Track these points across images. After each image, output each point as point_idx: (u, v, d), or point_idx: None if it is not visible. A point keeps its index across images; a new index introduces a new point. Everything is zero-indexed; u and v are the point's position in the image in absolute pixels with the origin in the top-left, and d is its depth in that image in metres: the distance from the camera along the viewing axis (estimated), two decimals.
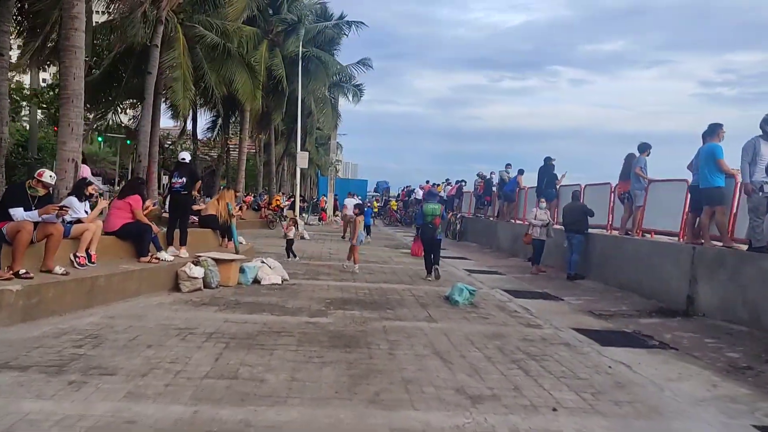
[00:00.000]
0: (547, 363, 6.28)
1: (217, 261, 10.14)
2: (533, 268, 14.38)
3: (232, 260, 10.31)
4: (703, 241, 9.71)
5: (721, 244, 9.29)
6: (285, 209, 29.24)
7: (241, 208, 20.17)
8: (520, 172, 20.47)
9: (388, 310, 8.80)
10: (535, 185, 17.20)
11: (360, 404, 4.78)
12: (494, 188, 23.02)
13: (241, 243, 13.44)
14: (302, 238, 21.54)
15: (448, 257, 17.64)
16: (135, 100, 25.15)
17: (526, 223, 15.13)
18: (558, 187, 16.11)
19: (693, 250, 9.46)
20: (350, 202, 29.17)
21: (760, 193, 8.12)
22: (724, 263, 8.68)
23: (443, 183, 32.07)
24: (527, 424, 4.53)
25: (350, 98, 34.91)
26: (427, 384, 5.36)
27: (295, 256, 14.46)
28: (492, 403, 4.96)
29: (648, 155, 12.12)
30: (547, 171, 16.25)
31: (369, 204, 40.15)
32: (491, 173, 23.53)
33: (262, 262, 11.29)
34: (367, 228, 23.69)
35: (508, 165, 20.94)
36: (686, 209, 10.64)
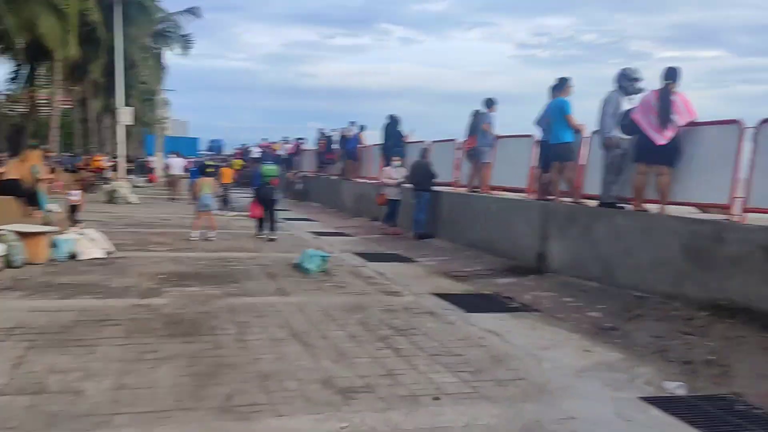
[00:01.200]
0: (417, 338, 5.72)
1: (22, 234, 8.44)
2: (388, 228, 13.88)
3: (40, 233, 8.66)
4: (553, 197, 9.73)
5: (571, 200, 9.33)
6: (108, 171, 26.45)
7: (53, 170, 17.61)
8: (362, 128, 19.91)
9: (232, 285, 7.81)
10: (381, 143, 16.71)
11: (208, 415, 3.86)
12: (335, 146, 22.32)
13: (51, 211, 11.55)
14: (128, 202, 19.51)
15: (291, 219, 16.78)
16: None
17: (379, 182, 14.44)
18: (405, 144, 15.72)
19: (543, 207, 9.43)
20: (176, 162, 27.10)
21: (618, 149, 8.13)
22: (576, 220, 8.69)
23: (281, 141, 30.84)
24: (411, 422, 3.89)
25: (178, 50, 32.13)
26: (288, 378, 4.54)
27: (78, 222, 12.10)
28: (366, 396, 4.26)
29: (494, 111, 12.00)
30: (392, 128, 15.79)
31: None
32: (332, 130, 22.80)
33: (80, 233, 9.66)
34: None
35: (351, 122, 20.26)
36: (534, 165, 10.65)
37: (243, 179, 33.66)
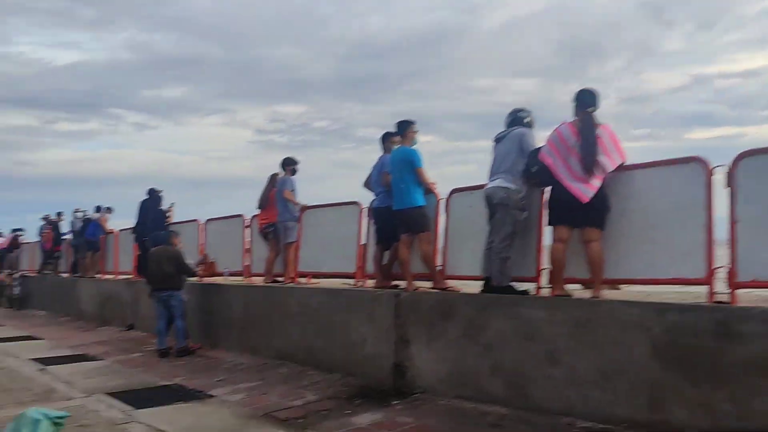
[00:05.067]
0: None
1: None
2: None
3: None
4: (400, 283, 7.15)
5: (432, 286, 6.81)
6: None
7: None
8: (99, 210, 15.61)
9: None
10: (132, 225, 12.83)
11: None
12: (67, 236, 17.55)
13: None
14: None
15: (5, 339, 11.90)
16: None
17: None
18: (168, 225, 12.06)
19: (394, 298, 6.73)
20: None
21: (524, 212, 5.81)
22: (452, 314, 6.11)
23: None
24: None
25: None
26: None
27: None
28: None
29: (294, 173, 9.23)
30: (152, 205, 12.07)
31: None
32: (58, 214, 17.95)
33: None
34: None
35: (97, 208, 15.80)
36: (363, 242, 8.04)
37: None
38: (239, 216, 10.48)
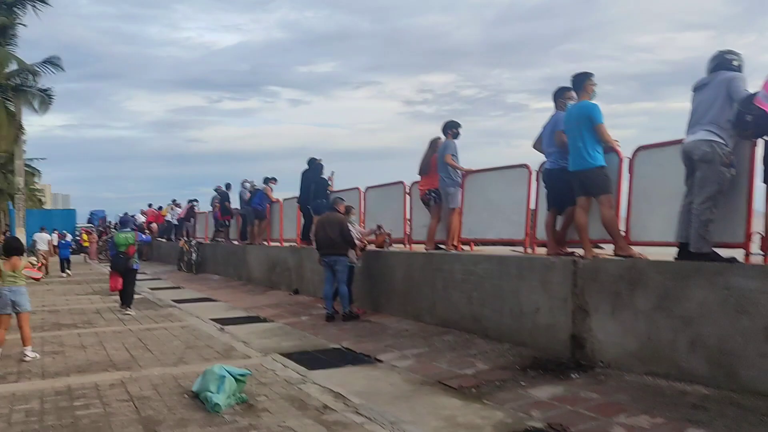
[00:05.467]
0: None
1: None
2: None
3: None
4: (575, 250, 6.65)
5: (615, 253, 6.23)
6: None
7: None
8: (265, 181, 16.31)
9: None
10: (296, 195, 13.23)
11: None
12: (235, 205, 18.62)
13: None
14: None
15: (185, 300, 12.81)
16: None
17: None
18: (330, 193, 12.29)
19: (572, 266, 6.24)
20: (41, 238, 22.51)
21: (731, 169, 5.09)
22: (643, 284, 5.53)
23: (169, 205, 26.64)
24: None
25: (36, 107, 27.23)
26: None
27: None
28: None
29: (456, 137, 8.90)
30: (313, 175, 12.35)
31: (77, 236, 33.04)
32: (227, 186, 19.02)
33: None
34: (66, 261, 21.29)
35: (268, 179, 16.53)
36: (532, 206, 7.59)
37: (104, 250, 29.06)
38: (400, 183, 10.38)
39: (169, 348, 7.78)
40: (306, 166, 12.78)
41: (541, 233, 7.42)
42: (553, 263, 6.53)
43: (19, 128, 26.87)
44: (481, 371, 6.18)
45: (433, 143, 9.15)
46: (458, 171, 8.73)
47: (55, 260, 23.08)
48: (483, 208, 8.48)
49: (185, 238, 22.12)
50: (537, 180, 7.59)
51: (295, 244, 13.77)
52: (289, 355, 7.22)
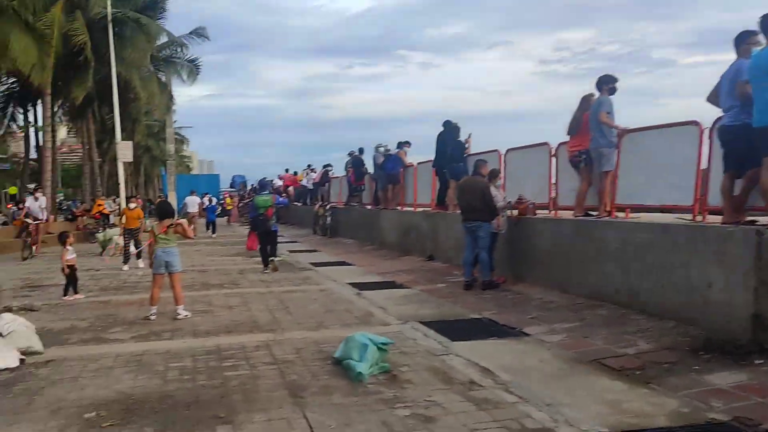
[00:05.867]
0: None
1: None
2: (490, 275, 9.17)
3: None
4: (758, 218, 5.80)
5: None
6: (112, 215, 22.97)
7: None
8: (399, 145, 16.08)
9: (223, 424, 4.04)
10: (431, 159, 12.90)
11: None
12: (369, 170, 18.66)
13: None
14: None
15: (321, 263, 12.99)
16: None
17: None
18: (467, 156, 11.82)
19: (757, 236, 5.43)
20: (192, 201, 24.01)
21: None
22: None
23: (305, 170, 27.36)
24: None
25: (185, 77, 28.82)
26: None
27: (75, 291, 9.14)
28: None
29: (612, 93, 8.09)
30: (449, 137, 11.93)
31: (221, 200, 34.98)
32: (360, 151, 19.02)
33: None
34: (212, 225, 22.74)
35: (401, 143, 16.33)
36: (703, 169, 6.74)
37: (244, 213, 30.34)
38: (544, 144, 9.71)
39: (309, 311, 7.82)
40: (441, 129, 12.38)
41: (714, 199, 6.56)
42: (732, 233, 5.73)
43: (170, 98, 28.61)
44: (644, 351, 5.59)
45: (585, 100, 8.41)
46: (613, 130, 7.96)
47: (201, 222, 24.57)
48: (641, 171, 7.69)
49: (320, 203, 22.60)
50: (710, 139, 6.70)
51: (429, 209, 13.51)
52: (428, 324, 6.99)
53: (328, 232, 20.34)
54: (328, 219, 20.54)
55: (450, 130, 12.04)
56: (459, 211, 9.55)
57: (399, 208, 15.76)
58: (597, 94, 8.16)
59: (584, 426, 3.99)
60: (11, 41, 16.91)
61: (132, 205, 13.23)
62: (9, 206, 19.64)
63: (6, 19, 17.06)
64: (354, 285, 9.90)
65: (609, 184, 8.06)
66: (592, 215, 8.30)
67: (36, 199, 16.86)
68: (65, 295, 8.99)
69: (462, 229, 9.31)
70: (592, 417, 4.15)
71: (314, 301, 8.58)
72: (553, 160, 9.45)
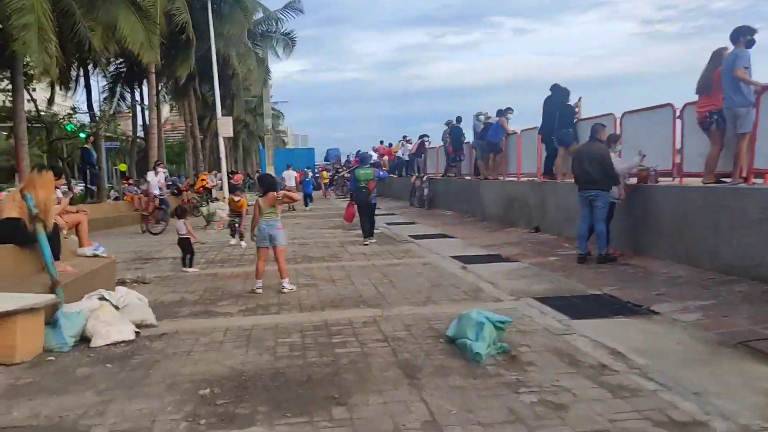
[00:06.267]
0: None
1: None
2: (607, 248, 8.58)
3: (14, 311, 5.05)
4: None
5: None
6: (214, 190, 23.71)
7: (71, 201, 14.14)
8: (500, 113, 15.39)
9: (337, 408, 3.82)
10: (532, 127, 12.25)
11: None
12: (468, 139, 18.14)
13: (94, 255, 8.17)
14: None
15: (421, 235, 12.70)
16: None
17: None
18: (577, 121, 11.10)
19: None
20: (289, 175, 24.38)
21: None
22: None
23: (400, 141, 27.08)
24: None
25: (280, 52, 29.15)
26: None
27: (189, 265, 9.32)
28: None
29: (750, 46, 7.21)
30: (558, 102, 11.23)
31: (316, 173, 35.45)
32: (458, 119, 18.47)
33: (102, 298, 6.08)
34: (309, 196, 23.17)
35: (504, 110, 15.68)
36: None
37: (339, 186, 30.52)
38: (667, 105, 8.89)
39: (414, 285, 7.55)
40: (548, 94, 11.68)
41: None
42: None
43: (267, 72, 29.02)
44: None
45: (717, 54, 7.56)
46: (751, 87, 7.10)
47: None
48: None
49: (417, 174, 22.29)
50: None
51: (535, 178, 12.88)
52: (543, 300, 6.55)
53: (425, 204, 20.03)
54: (426, 190, 20.20)
55: (558, 93, 11.33)
56: (573, 180, 8.94)
57: (501, 178, 15.17)
58: (730, 47, 7.29)
59: (743, 420, 3.49)
60: (120, 21, 17.48)
61: (237, 198, 13.35)
62: (126, 182, 20.68)
63: (114, 1, 17.64)
64: (458, 258, 9.55)
65: (745, 147, 7.23)
66: (725, 182, 7.51)
67: (156, 173, 17.45)
68: (184, 266, 9.21)
69: (576, 199, 8.70)
70: (749, 409, 3.64)
71: (418, 275, 8.30)
72: (677, 122, 8.63)
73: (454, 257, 9.67)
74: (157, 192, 16.84)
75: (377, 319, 5.97)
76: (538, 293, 6.91)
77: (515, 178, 14.28)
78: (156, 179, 17.17)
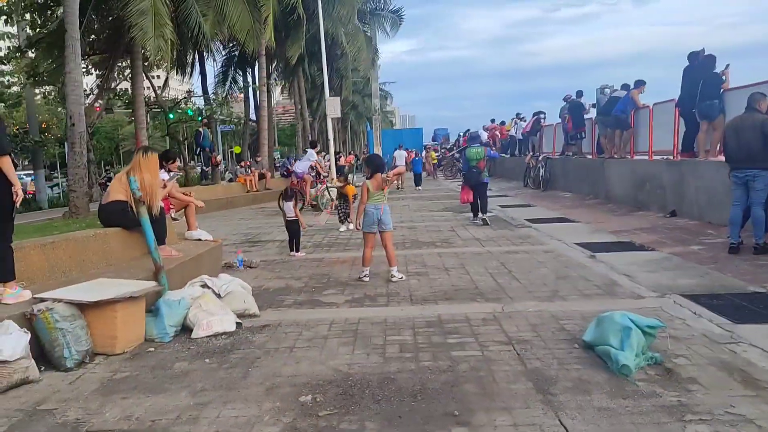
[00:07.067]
0: None
1: (81, 306, 4.70)
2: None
3: (114, 300, 4.79)
4: None
5: None
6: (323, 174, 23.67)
7: (179, 181, 14.21)
8: (628, 86, 13.97)
9: (457, 426, 3.22)
10: (671, 99, 10.93)
11: None
12: (589, 115, 16.82)
13: (199, 239, 8.02)
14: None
15: (538, 219, 11.77)
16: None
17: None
18: (724, 92, 9.71)
19: None
20: (400, 155, 23.98)
21: None
22: None
23: (512, 119, 25.86)
24: None
25: (388, 30, 28.64)
26: None
27: (296, 249, 9.00)
28: None
29: None
30: (702, 70, 9.86)
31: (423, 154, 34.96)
32: (578, 94, 17.16)
33: (204, 287, 5.78)
34: (418, 177, 22.88)
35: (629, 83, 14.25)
36: None
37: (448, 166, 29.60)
38: None
39: (537, 277, 6.76)
40: (686, 64, 10.33)
41: None
42: None
43: (375, 52, 28.64)
44: None
45: None
46: None
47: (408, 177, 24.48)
48: None
49: (531, 153, 21.13)
50: None
51: (670, 156, 11.56)
52: (694, 298, 5.58)
53: (541, 185, 18.89)
54: (541, 171, 19.03)
55: (701, 62, 9.95)
56: (719, 158, 7.74)
57: (629, 156, 13.84)
58: None
59: None
60: (229, 10, 17.62)
61: (340, 184, 12.96)
62: (244, 164, 21.17)
63: None
64: (584, 246, 8.60)
65: None
66: None
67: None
68: (291, 250, 8.92)
69: (729, 179, 7.51)
70: None
71: (541, 264, 7.48)
72: None
73: (580, 244, 8.73)
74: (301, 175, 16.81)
75: (497, 316, 5.27)
76: (686, 289, 5.94)
77: (646, 157, 12.94)
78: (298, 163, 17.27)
